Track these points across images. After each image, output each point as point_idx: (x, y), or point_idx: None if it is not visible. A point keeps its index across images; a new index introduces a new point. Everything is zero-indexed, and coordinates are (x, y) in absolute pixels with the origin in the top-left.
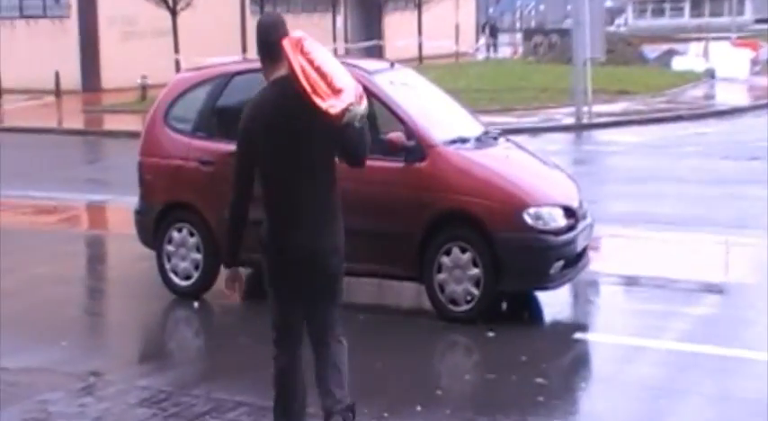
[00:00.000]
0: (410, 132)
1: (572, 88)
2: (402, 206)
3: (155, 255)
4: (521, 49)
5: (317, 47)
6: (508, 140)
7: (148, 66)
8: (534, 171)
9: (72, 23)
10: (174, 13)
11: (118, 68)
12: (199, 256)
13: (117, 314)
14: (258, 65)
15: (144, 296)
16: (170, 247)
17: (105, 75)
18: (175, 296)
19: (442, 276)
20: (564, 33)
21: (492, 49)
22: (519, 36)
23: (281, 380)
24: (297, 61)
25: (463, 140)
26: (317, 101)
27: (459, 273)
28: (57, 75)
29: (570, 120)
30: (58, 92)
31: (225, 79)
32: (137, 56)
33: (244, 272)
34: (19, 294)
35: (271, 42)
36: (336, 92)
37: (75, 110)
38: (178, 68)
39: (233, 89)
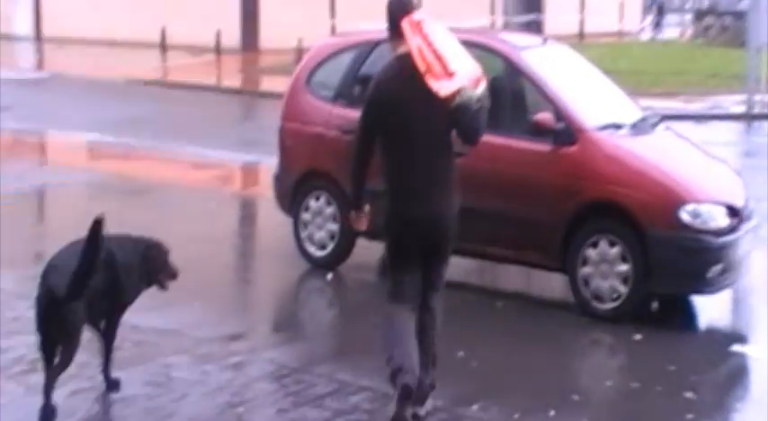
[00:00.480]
0: (559, 114)
1: (745, 75)
2: (547, 192)
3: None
4: (689, 31)
5: (437, 29)
6: (668, 128)
7: (305, 28)
8: (694, 164)
9: None
10: None
11: (276, 29)
12: (335, 227)
13: (251, 280)
14: None
15: (280, 263)
16: (306, 215)
17: (264, 35)
18: (310, 265)
19: (587, 270)
20: (739, 16)
21: (657, 28)
22: (688, 16)
23: (391, 330)
24: (414, 42)
25: (617, 126)
26: (431, 81)
27: (606, 267)
28: (218, 33)
29: (741, 109)
30: (218, 50)
31: (369, 47)
32: (295, 18)
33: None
34: None
35: (395, 19)
36: (450, 74)
37: (233, 69)
38: (333, 33)
39: (376, 58)
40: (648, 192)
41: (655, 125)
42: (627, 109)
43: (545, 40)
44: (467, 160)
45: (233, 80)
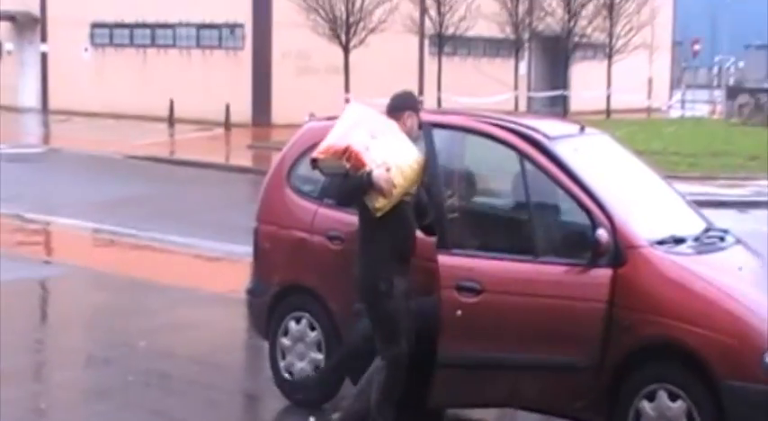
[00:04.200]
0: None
1: None
2: (587, 328)
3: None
4: (719, 108)
5: (350, 110)
6: (739, 242)
7: (319, 103)
8: None
9: (246, 55)
10: (346, 50)
11: (289, 104)
12: (320, 357)
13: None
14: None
15: (255, 397)
16: (285, 341)
17: (276, 109)
18: (289, 403)
19: None
20: None
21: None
22: (717, 93)
23: None
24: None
25: (678, 240)
26: None
27: None
28: (227, 107)
29: None
30: (227, 125)
31: None
32: (308, 92)
33: None
34: (100, 375)
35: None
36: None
37: (241, 145)
38: None
39: None
40: (725, 331)
41: (723, 239)
42: (686, 217)
43: (582, 128)
44: (483, 296)
45: (241, 157)
